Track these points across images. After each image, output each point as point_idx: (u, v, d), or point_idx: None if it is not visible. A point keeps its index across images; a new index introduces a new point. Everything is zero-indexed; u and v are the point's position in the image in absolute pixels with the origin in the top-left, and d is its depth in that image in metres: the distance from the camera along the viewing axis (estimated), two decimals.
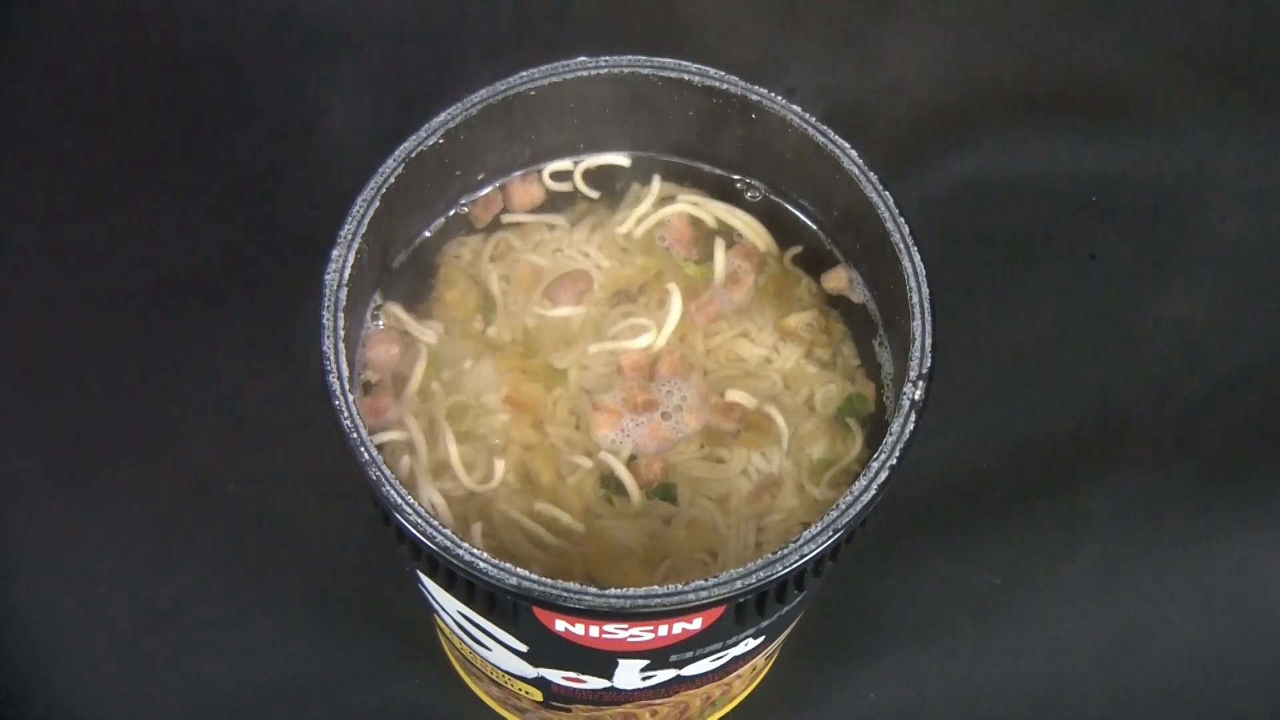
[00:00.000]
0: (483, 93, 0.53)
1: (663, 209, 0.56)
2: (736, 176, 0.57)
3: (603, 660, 0.49)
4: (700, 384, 0.53)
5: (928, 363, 0.48)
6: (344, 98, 0.83)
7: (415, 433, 0.51)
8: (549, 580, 0.43)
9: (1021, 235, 0.80)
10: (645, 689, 0.53)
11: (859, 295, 0.55)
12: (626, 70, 0.54)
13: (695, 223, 0.56)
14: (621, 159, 0.57)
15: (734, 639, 0.49)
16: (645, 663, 0.49)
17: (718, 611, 0.45)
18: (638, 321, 0.54)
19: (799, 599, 0.49)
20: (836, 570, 0.49)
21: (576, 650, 0.47)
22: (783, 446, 0.52)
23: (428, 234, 0.56)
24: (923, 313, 0.49)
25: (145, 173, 0.80)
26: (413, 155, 0.51)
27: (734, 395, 0.52)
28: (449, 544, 0.44)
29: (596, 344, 0.54)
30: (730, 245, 0.56)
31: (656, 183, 0.57)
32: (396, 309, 0.54)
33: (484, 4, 0.87)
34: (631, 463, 0.51)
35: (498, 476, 0.51)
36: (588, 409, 0.52)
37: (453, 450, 0.51)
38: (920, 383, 0.48)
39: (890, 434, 0.47)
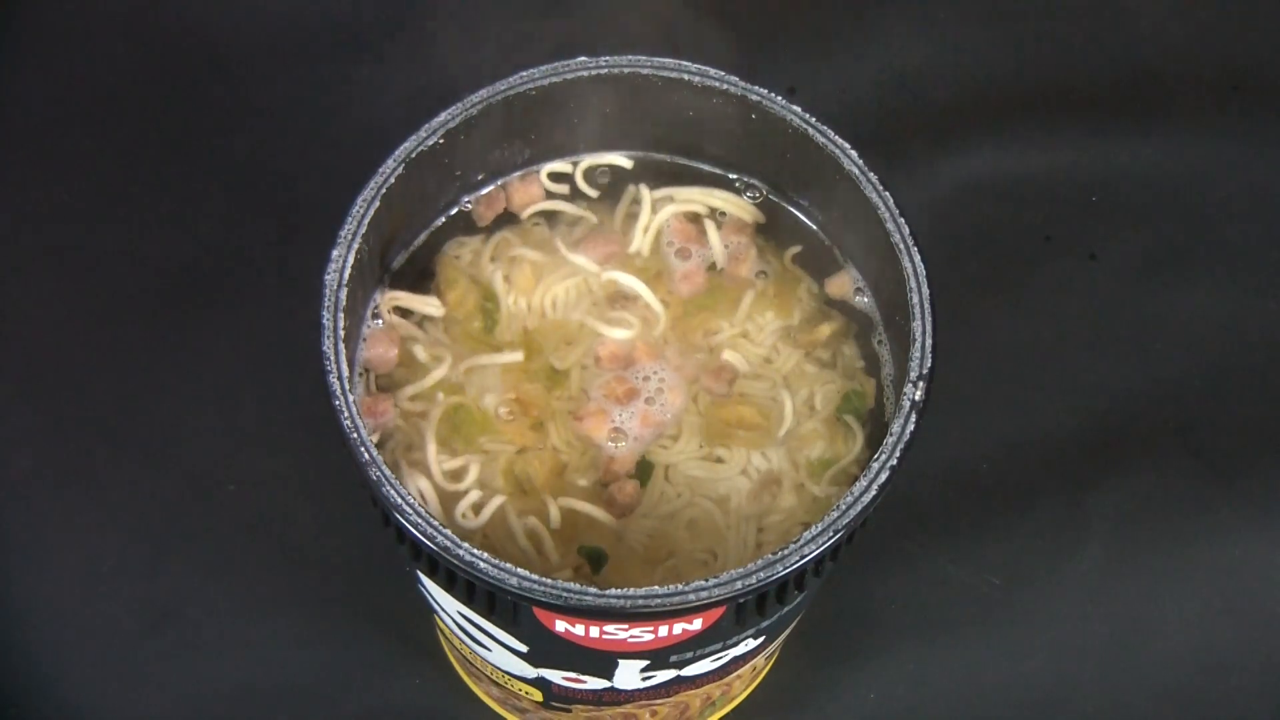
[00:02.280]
0: (483, 93, 0.53)
1: (655, 218, 0.56)
2: (736, 176, 0.57)
3: (603, 661, 0.49)
4: (675, 357, 0.53)
5: (928, 363, 0.48)
6: (345, 97, 0.83)
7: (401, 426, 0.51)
8: (550, 580, 0.43)
9: (1021, 235, 0.80)
10: (645, 689, 0.53)
11: (860, 297, 0.55)
12: (626, 70, 0.54)
13: (693, 218, 0.56)
14: (621, 159, 0.57)
15: (734, 639, 0.49)
16: (645, 663, 0.49)
17: (718, 612, 0.45)
18: (625, 315, 0.54)
19: (799, 599, 0.49)
20: (837, 570, 0.49)
21: (576, 650, 0.47)
22: (785, 426, 0.52)
23: (428, 234, 0.56)
24: (923, 313, 0.49)
25: (145, 173, 0.80)
26: (413, 155, 0.51)
27: (730, 356, 0.53)
28: (449, 544, 0.44)
29: (582, 315, 0.54)
30: (719, 226, 0.56)
31: (645, 193, 0.57)
32: (398, 301, 0.54)
33: (484, 3, 0.87)
34: (606, 490, 0.51)
35: (470, 478, 0.51)
36: (572, 422, 0.52)
37: (431, 449, 0.51)
38: (921, 383, 0.48)
39: (891, 434, 0.47)
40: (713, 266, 0.56)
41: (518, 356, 0.53)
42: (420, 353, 0.53)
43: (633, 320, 0.54)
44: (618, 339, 0.54)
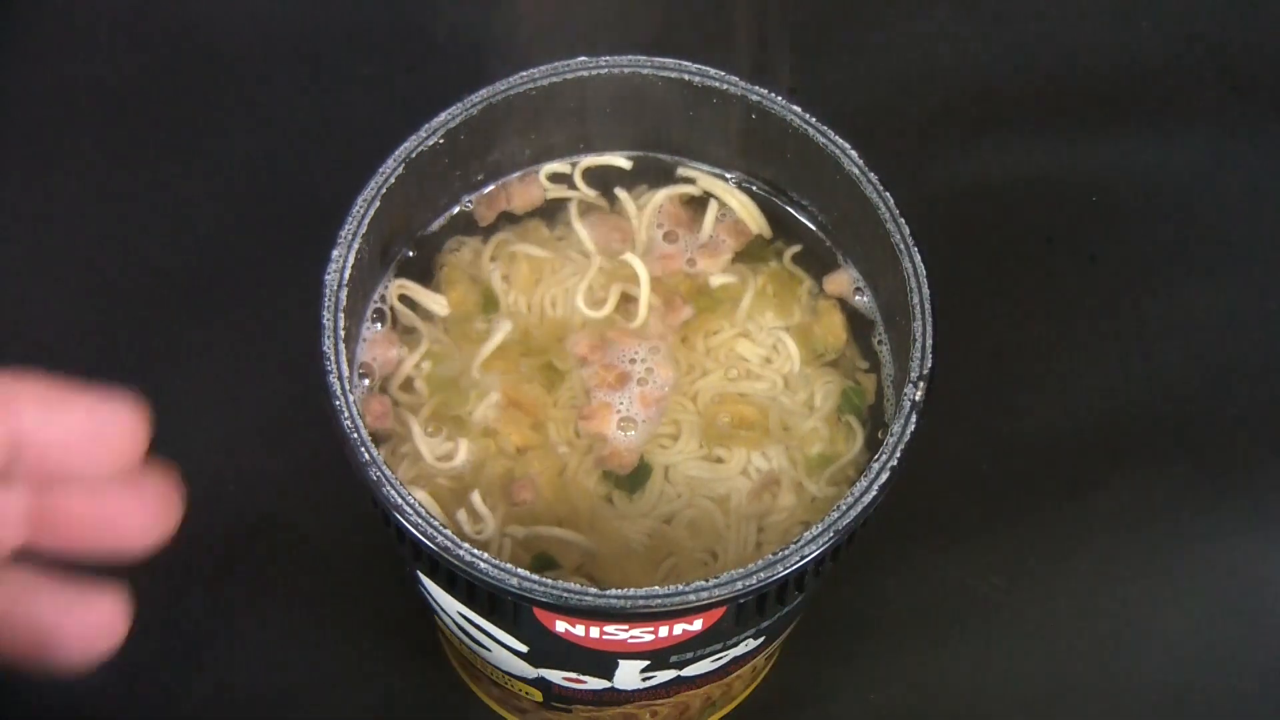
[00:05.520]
0: (483, 93, 0.53)
1: (658, 193, 0.56)
2: (736, 176, 0.57)
3: (603, 661, 0.49)
4: (654, 324, 0.53)
5: (928, 364, 0.48)
6: (345, 97, 0.83)
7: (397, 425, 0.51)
8: (550, 581, 0.43)
9: (1021, 235, 0.80)
10: (645, 689, 0.53)
11: (859, 296, 0.55)
12: (626, 70, 0.54)
13: (688, 203, 0.56)
14: (621, 159, 0.57)
15: (734, 639, 0.49)
16: (646, 663, 0.49)
17: (718, 612, 0.45)
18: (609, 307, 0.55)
19: (799, 599, 0.49)
20: (837, 571, 0.49)
21: (577, 651, 0.47)
22: (795, 367, 0.52)
23: (427, 234, 0.56)
24: (923, 313, 0.49)
25: (145, 173, 0.80)
26: (413, 155, 0.51)
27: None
28: (450, 544, 0.44)
29: (578, 297, 0.55)
30: (722, 218, 0.56)
31: (629, 199, 0.57)
32: (406, 290, 0.54)
33: (485, 4, 0.87)
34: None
35: (460, 458, 0.50)
36: (580, 422, 0.52)
37: (421, 441, 0.51)
38: (921, 384, 0.48)
39: (891, 435, 0.47)
40: (692, 261, 0.56)
41: (507, 326, 0.53)
42: (416, 351, 0.53)
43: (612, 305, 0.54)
44: (592, 319, 0.54)
